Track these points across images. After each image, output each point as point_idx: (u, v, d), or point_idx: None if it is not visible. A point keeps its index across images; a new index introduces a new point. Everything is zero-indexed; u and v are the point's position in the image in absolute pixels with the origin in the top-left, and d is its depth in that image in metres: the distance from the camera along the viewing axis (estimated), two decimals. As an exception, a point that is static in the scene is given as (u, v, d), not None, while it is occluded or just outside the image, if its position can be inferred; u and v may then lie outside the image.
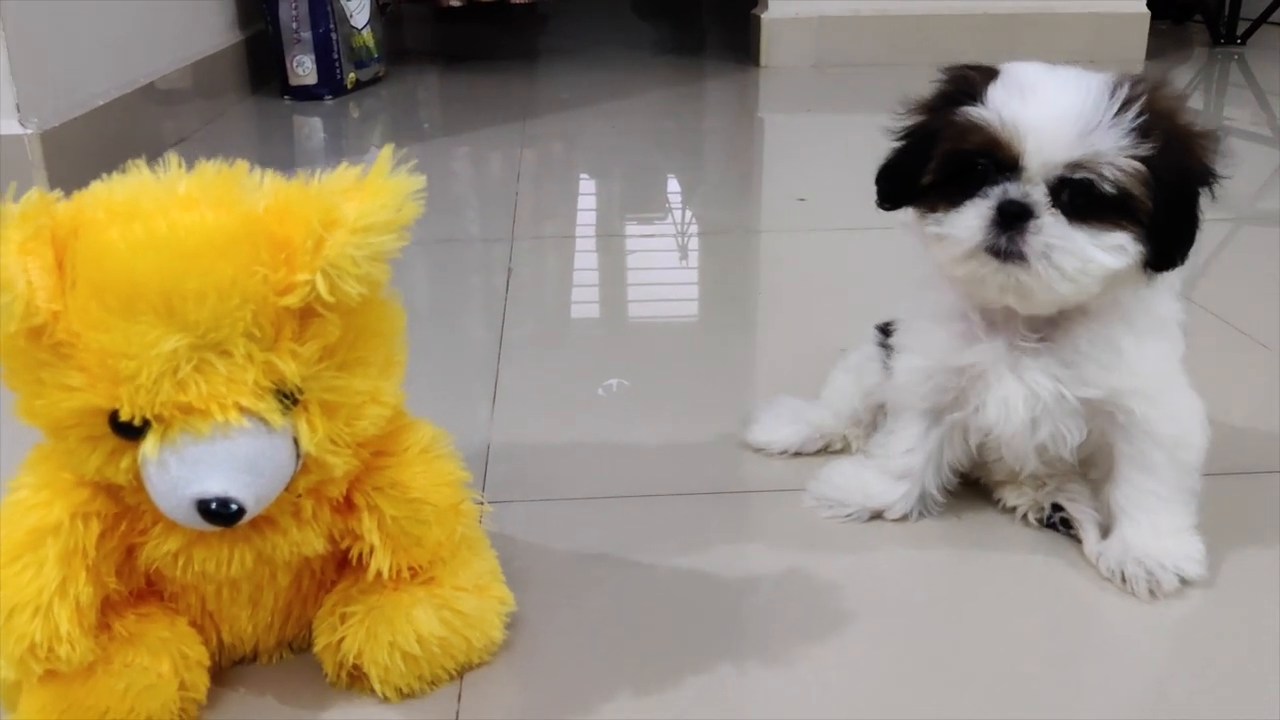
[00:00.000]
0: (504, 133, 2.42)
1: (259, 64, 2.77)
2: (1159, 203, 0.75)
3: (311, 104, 2.68)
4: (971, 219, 0.77)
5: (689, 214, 1.97)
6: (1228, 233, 1.76)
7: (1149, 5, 3.17)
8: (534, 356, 1.29)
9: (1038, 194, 0.76)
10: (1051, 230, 0.75)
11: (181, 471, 0.59)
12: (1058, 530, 0.90)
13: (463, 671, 0.74)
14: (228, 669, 0.74)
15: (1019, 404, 0.83)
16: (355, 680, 0.72)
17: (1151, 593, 0.82)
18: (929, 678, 0.75)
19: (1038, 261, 0.76)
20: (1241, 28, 3.47)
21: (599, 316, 1.50)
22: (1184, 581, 0.83)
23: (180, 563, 0.66)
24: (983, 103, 0.77)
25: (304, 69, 2.68)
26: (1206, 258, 1.65)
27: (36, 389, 0.59)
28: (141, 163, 0.63)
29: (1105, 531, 0.87)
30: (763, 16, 3.10)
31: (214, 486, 0.59)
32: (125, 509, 0.65)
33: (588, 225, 1.90)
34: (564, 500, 0.97)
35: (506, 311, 1.40)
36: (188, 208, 0.60)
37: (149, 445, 0.59)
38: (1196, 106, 2.76)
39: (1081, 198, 0.75)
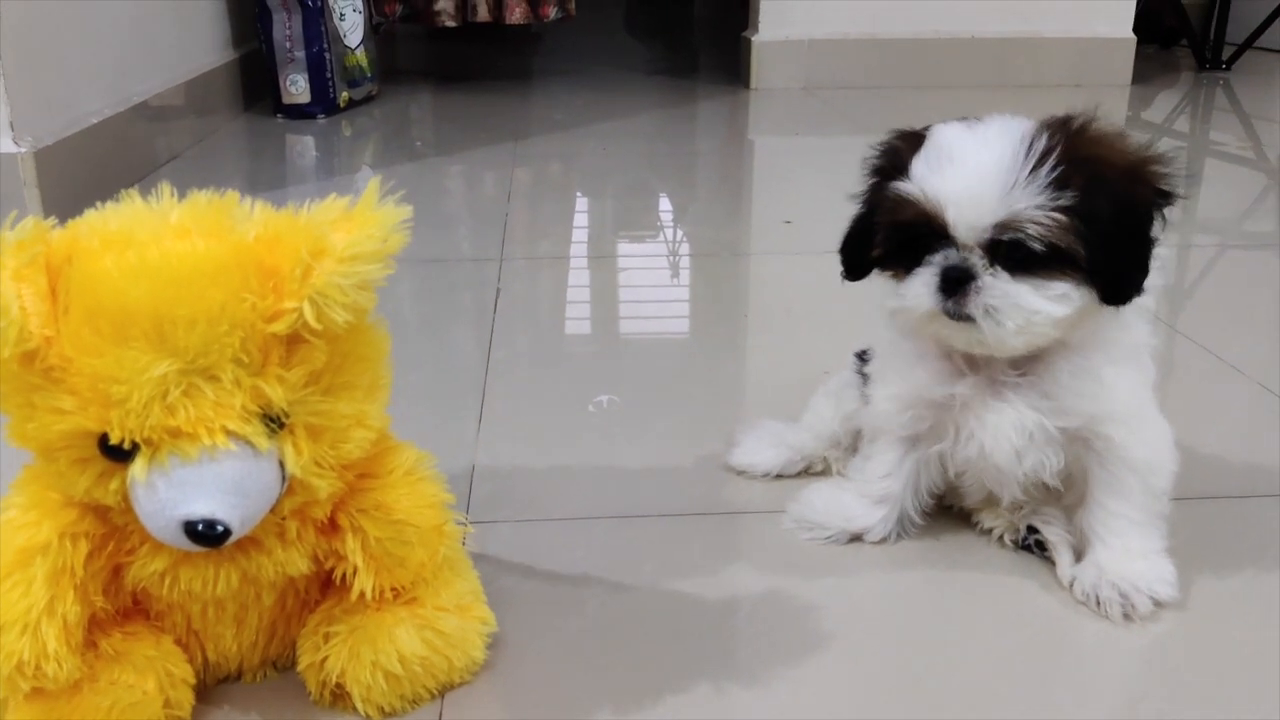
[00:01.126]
0: (496, 152, 2.44)
1: (252, 82, 2.79)
2: (1096, 244, 0.76)
3: (304, 122, 2.70)
4: (919, 287, 0.80)
5: (679, 235, 1.98)
6: (1212, 257, 1.79)
7: (1136, 30, 3.21)
8: (521, 376, 1.30)
9: (974, 257, 0.78)
10: (992, 290, 0.78)
11: (169, 493, 0.60)
12: (1032, 552, 0.91)
13: (444, 691, 0.75)
14: (212, 687, 0.75)
15: (1010, 434, 0.84)
16: (338, 699, 0.73)
17: (1126, 616, 0.83)
18: (905, 699, 0.76)
19: (984, 320, 0.78)
20: (1227, 53, 3.51)
21: (587, 335, 1.51)
22: (1157, 604, 0.84)
23: (167, 582, 0.67)
24: (908, 176, 0.79)
25: (297, 88, 2.70)
26: (1191, 282, 1.67)
27: (28, 412, 0.61)
28: (135, 192, 0.65)
29: (1078, 555, 0.88)
30: (753, 39, 3.13)
31: (201, 508, 0.60)
32: (113, 529, 0.66)
33: (578, 244, 1.92)
34: (547, 521, 0.98)
35: (494, 330, 1.42)
36: (180, 236, 0.61)
37: (137, 468, 0.60)
38: (1178, 128, 2.79)
39: (1017, 254, 0.77)
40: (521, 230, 1.90)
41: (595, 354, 1.44)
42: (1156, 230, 0.79)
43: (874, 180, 0.85)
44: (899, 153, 0.82)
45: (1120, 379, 0.84)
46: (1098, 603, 0.84)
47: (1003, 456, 0.85)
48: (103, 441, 0.60)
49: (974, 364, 0.86)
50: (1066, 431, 0.84)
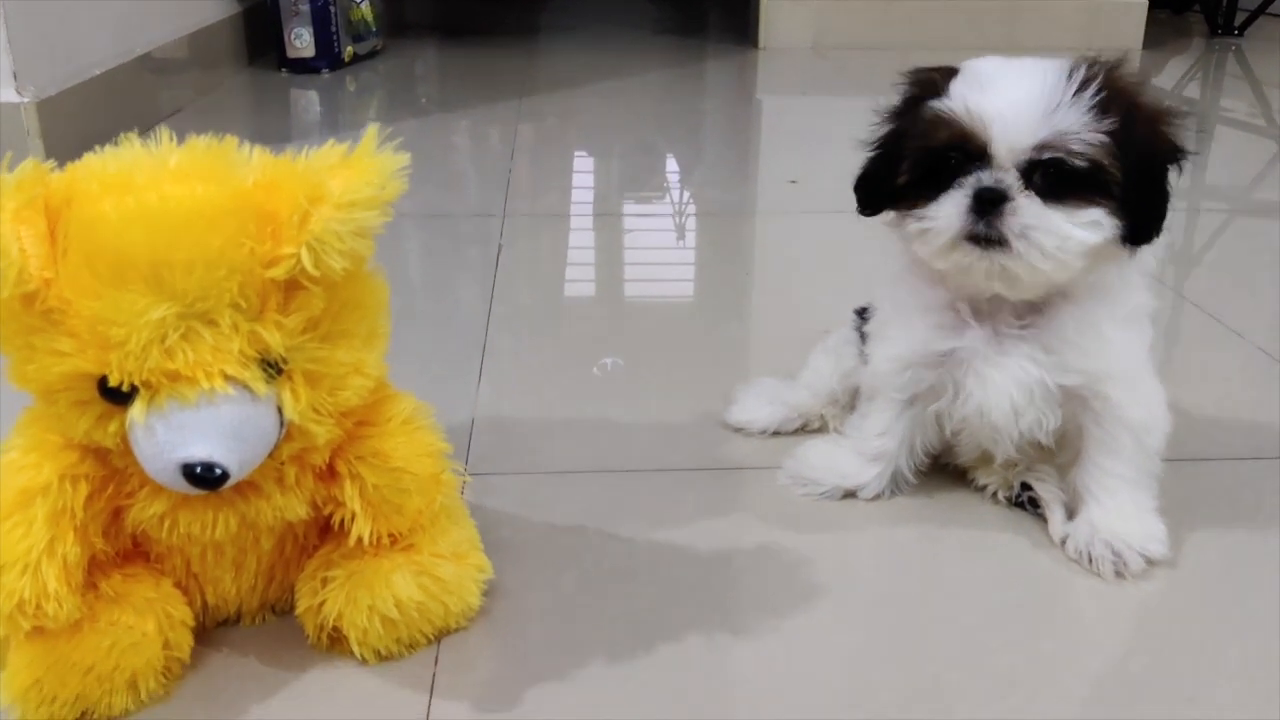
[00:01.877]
0: (501, 109, 2.43)
1: (257, 36, 2.77)
2: (1127, 176, 0.77)
3: (308, 77, 2.69)
4: (950, 209, 0.79)
5: (684, 193, 1.98)
6: (1222, 223, 1.78)
7: (1148, -6, 3.18)
8: (522, 332, 1.31)
9: (1010, 178, 0.78)
10: (1027, 211, 0.77)
11: (168, 436, 0.61)
12: (1025, 509, 0.92)
13: (440, 636, 0.76)
14: (211, 629, 0.77)
15: (1011, 391, 0.84)
16: (335, 642, 0.74)
17: (1118, 573, 0.84)
18: (896, 653, 0.77)
19: (1018, 242, 0.78)
20: (1240, 19, 3.48)
21: (588, 294, 1.51)
22: (1149, 562, 0.85)
23: (166, 525, 0.68)
24: (946, 98, 0.79)
25: (302, 41, 2.68)
26: (1200, 247, 1.67)
27: (28, 354, 0.61)
28: (134, 136, 0.65)
29: (1070, 513, 0.89)
30: (762, -1, 3.10)
31: (199, 451, 0.61)
32: (113, 471, 0.67)
33: (580, 203, 1.92)
34: (545, 473, 0.99)
35: (496, 286, 1.42)
36: (178, 181, 0.62)
37: (136, 410, 0.61)
38: (1188, 94, 2.77)
39: (1053, 177, 0.77)
40: (524, 186, 1.90)
41: (595, 312, 1.45)
42: (1173, 181, 0.80)
43: (904, 108, 0.85)
44: (933, 81, 0.82)
45: (1121, 338, 0.85)
46: (1090, 560, 0.85)
47: (1000, 414, 0.85)
48: (102, 384, 0.61)
49: (979, 314, 0.86)
50: (1066, 389, 0.85)
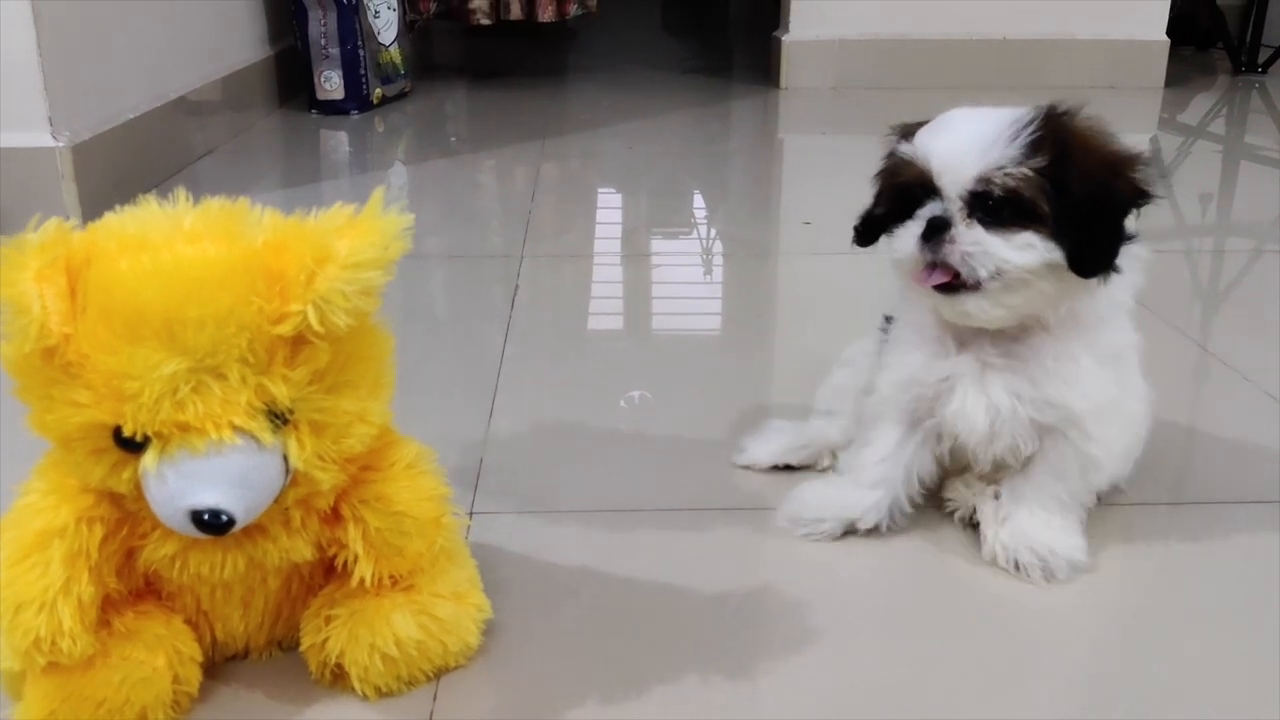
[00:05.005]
0: (525, 149, 2.48)
1: (287, 78, 2.84)
2: (1062, 207, 0.84)
3: (338, 118, 2.75)
4: (907, 237, 0.88)
5: (706, 236, 2.01)
6: (1247, 262, 1.79)
7: (1171, 32, 3.19)
8: (534, 371, 1.34)
9: (954, 209, 0.86)
10: (966, 237, 0.86)
11: (178, 484, 0.64)
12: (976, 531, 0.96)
13: (439, 674, 0.79)
14: (220, 665, 0.80)
15: (980, 415, 0.91)
16: (338, 679, 0.77)
17: (1045, 578, 0.91)
18: (892, 695, 0.79)
19: (960, 266, 0.86)
20: (1263, 55, 3.48)
21: (599, 333, 1.54)
22: (1074, 569, 0.91)
23: (177, 565, 0.71)
24: (910, 142, 0.89)
25: (331, 84, 2.75)
26: (1227, 284, 1.68)
27: (47, 404, 0.65)
28: (152, 197, 0.69)
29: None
30: (783, 39, 3.15)
31: (207, 499, 0.64)
32: (126, 514, 0.70)
33: (600, 241, 1.95)
34: (549, 512, 1.02)
35: (511, 326, 1.46)
36: (192, 241, 0.65)
37: (149, 459, 0.64)
38: (1213, 130, 2.78)
39: (989, 206, 0.85)
40: (544, 227, 1.93)
41: (610, 350, 1.47)
42: (1130, 223, 0.86)
43: (889, 152, 0.94)
44: (909, 128, 0.91)
45: (1099, 375, 0.90)
46: (1017, 566, 0.91)
47: (975, 439, 0.92)
48: (116, 434, 0.64)
49: (963, 345, 0.92)
50: (1039, 423, 0.91)
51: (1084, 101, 0.89)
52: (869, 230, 0.95)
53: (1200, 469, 1.11)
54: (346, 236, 0.66)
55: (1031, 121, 0.85)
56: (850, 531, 0.97)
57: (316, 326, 0.64)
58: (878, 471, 0.97)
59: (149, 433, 0.64)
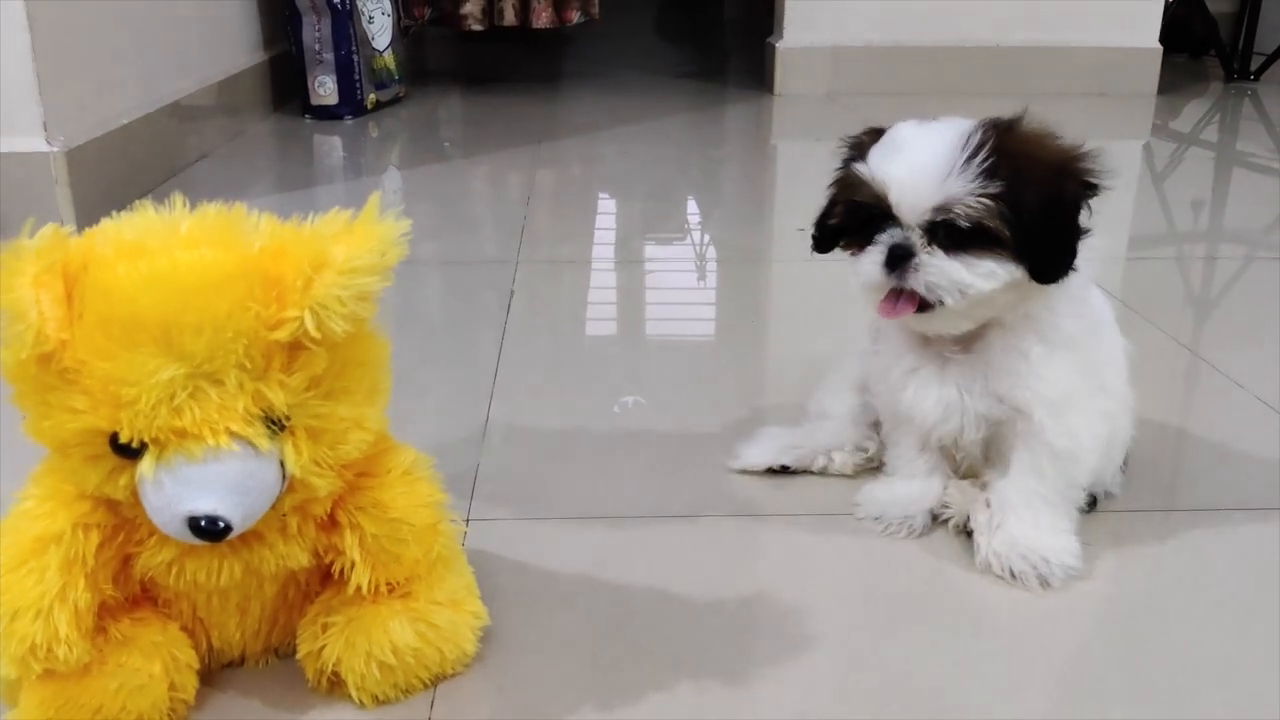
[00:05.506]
0: (519, 155, 2.48)
1: (282, 84, 2.84)
2: (1022, 227, 0.85)
3: (332, 123, 2.75)
4: (869, 264, 0.90)
5: (700, 243, 2.01)
6: (1239, 267, 1.80)
7: (1164, 40, 3.20)
8: (530, 377, 1.34)
9: (914, 236, 0.88)
10: (929, 266, 0.87)
11: (175, 490, 0.64)
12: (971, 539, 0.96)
13: (436, 681, 0.79)
14: (216, 672, 0.79)
15: (929, 405, 0.94)
16: (334, 687, 0.77)
17: (1041, 585, 0.91)
18: (890, 700, 0.79)
19: (925, 293, 0.88)
20: (1256, 63, 3.49)
21: (595, 339, 1.54)
22: (1069, 575, 0.91)
23: (173, 572, 0.71)
24: (865, 160, 0.89)
25: (325, 89, 2.75)
26: (1219, 292, 1.69)
27: (44, 410, 0.65)
28: (148, 202, 0.69)
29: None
30: (778, 45, 3.15)
31: (204, 505, 0.64)
32: (123, 521, 0.70)
33: (597, 247, 1.95)
34: (546, 519, 1.02)
35: (506, 333, 1.45)
36: (189, 247, 0.65)
37: (145, 465, 0.64)
38: (1205, 137, 2.79)
39: (950, 234, 0.87)
40: (539, 232, 1.93)
41: (606, 356, 1.47)
42: (1083, 219, 0.88)
43: (841, 164, 0.95)
44: (863, 144, 0.92)
45: (1051, 362, 0.91)
46: (1012, 575, 0.91)
47: (927, 425, 0.95)
48: (113, 440, 0.64)
49: (925, 340, 0.95)
50: (998, 404, 0.93)
51: (1024, 107, 0.90)
52: (826, 239, 0.96)
53: (1193, 475, 1.11)
54: (343, 242, 0.66)
55: (983, 143, 0.85)
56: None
57: (314, 332, 0.64)
58: (924, 461, 1.00)
59: (146, 439, 0.64)
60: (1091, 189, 0.88)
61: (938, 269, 0.87)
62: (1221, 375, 1.33)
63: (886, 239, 0.88)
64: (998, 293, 0.87)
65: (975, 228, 0.85)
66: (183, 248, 0.65)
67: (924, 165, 0.86)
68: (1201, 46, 3.81)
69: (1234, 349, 1.41)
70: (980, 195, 0.84)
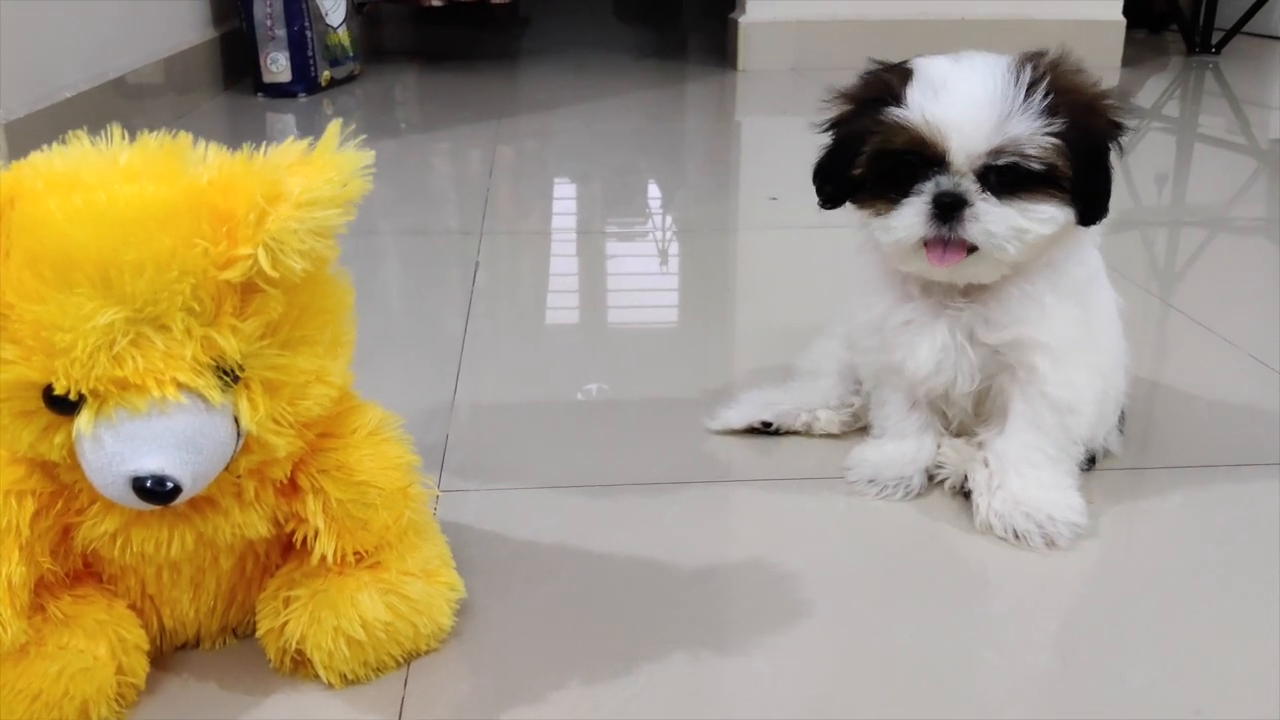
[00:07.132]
0: (479, 130, 2.42)
1: (233, 61, 2.76)
2: (1077, 168, 0.81)
3: (285, 101, 2.68)
4: (911, 216, 0.83)
5: (665, 213, 1.96)
6: (1204, 239, 1.77)
7: (1126, 14, 3.20)
8: (498, 348, 1.28)
9: (967, 183, 0.81)
10: (988, 214, 0.81)
11: (117, 448, 0.58)
12: (968, 499, 0.91)
13: (410, 658, 0.73)
14: (169, 654, 0.73)
15: (925, 354, 0.88)
16: (299, 666, 0.71)
17: (1047, 544, 0.86)
18: (883, 667, 0.74)
19: (986, 244, 0.82)
20: (1216, 37, 3.50)
21: (565, 310, 1.49)
22: (1076, 532, 0.87)
23: (118, 544, 0.65)
24: (903, 103, 0.82)
25: (278, 66, 2.67)
26: (1183, 264, 1.66)
27: (-34, 362, 0.58)
28: (83, 133, 0.62)
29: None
30: (740, 20, 3.11)
31: (149, 464, 0.58)
32: (61, 487, 0.64)
33: (559, 218, 1.90)
34: (521, 489, 0.96)
35: (472, 304, 1.40)
36: (129, 179, 0.59)
37: (83, 420, 0.58)
38: (1168, 112, 2.78)
39: (1008, 178, 0.81)
40: (502, 206, 1.88)
41: (574, 327, 1.42)
42: (1114, 158, 0.84)
43: (858, 108, 0.87)
44: (888, 83, 0.84)
45: (1060, 310, 0.87)
46: (1016, 535, 0.87)
47: (920, 376, 0.89)
48: (47, 393, 0.58)
49: (927, 290, 0.89)
50: (994, 356, 0.88)
51: (1061, 43, 0.86)
52: (834, 190, 0.89)
53: (1193, 433, 1.08)
54: (300, 173, 0.61)
55: (1036, 79, 0.80)
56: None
57: (269, 271, 0.58)
58: (915, 420, 0.95)
59: (83, 391, 0.57)
60: (1122, 130, 0.84)
61: (999, 217, 0.81)
62: (1212, 334, 1.30)
63: (931, 187, 0.81)
64: (1050, 237, 0.83)
65: (1045, 170, 0.80)
66: (122, 181, 0.59)
67: (980, 105, 0.79)
68: (1162, 21, 3.81)
69: (1221, 310, 1.38)
70: (1046, 134, 0.79)
